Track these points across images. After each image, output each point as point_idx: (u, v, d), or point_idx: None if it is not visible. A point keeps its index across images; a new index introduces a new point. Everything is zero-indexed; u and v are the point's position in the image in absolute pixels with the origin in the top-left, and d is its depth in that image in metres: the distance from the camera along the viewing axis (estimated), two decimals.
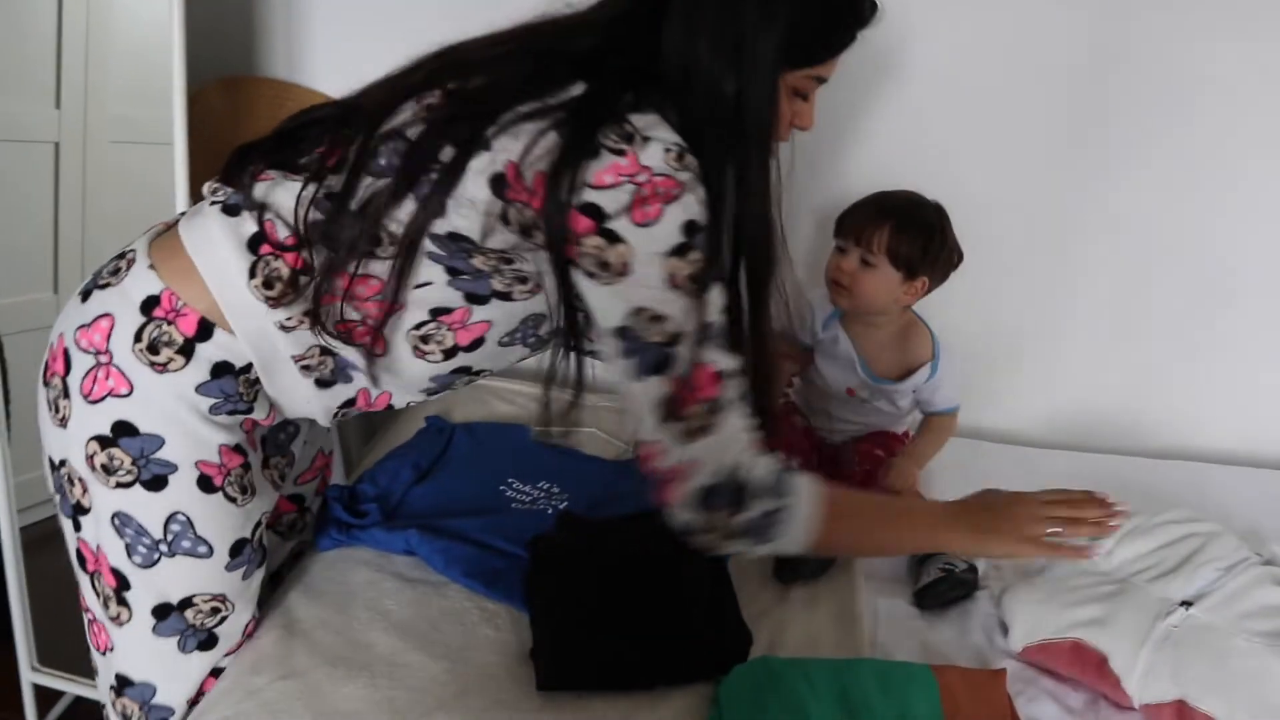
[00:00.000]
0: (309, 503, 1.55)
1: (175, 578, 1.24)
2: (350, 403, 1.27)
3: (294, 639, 1.37)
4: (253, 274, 1.13)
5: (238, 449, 1.22)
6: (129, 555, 1.21)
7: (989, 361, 2.04)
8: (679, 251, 1.04)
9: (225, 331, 1.15)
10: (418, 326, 1.17)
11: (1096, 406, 2.09)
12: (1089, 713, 1.39)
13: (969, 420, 2.08)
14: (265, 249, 1.14)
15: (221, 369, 1.16)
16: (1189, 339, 2.01)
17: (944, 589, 1.53)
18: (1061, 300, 2.01)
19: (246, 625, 1.34)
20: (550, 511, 1.64)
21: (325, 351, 1.19)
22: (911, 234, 1.60)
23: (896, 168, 1.75)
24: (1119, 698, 1.38)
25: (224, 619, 1.30)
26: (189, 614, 1.26)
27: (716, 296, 1.09)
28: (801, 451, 1.79)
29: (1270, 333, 1.98)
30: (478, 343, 1.22)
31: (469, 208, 1.08)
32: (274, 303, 1.14)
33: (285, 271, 1.14)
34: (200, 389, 1.16)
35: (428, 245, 1.11)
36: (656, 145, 1.03)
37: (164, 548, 1.21)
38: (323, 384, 1.23)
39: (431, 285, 1.14)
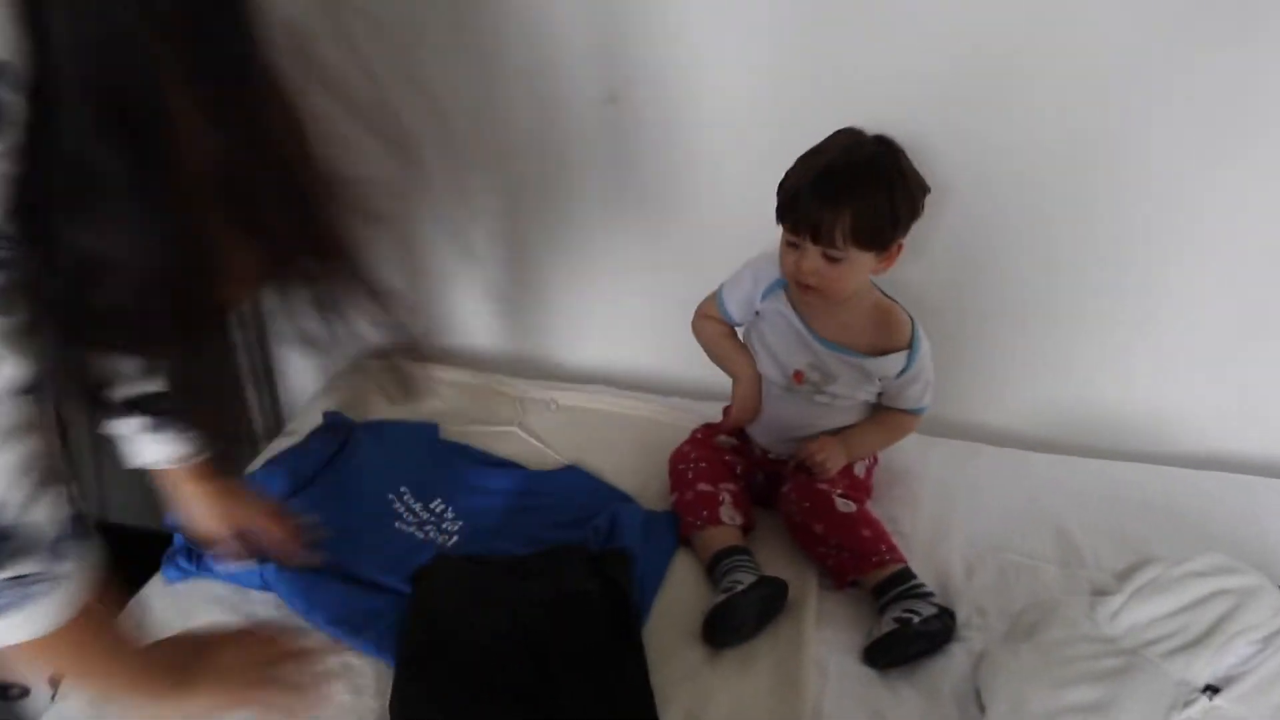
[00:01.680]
0: None
1: None
2: None
3: (105, 707, 1.13)
4: None
5: None
6: None
7: (988, 351, 1.73)
8: None
9: None
10: None
11: (1115, 404, 1.77)
12: None
13: (961, 418, 1.78)
14: None
15: None
16: (1228, 326, 1.68)
17: (898, 647, 1.26)
18: (1076, 280, 1.67)
19: None
20: (440, 542, 1.38)
21: None
22: (875, 209, 1.29)
23: (888, 120, 1.43)
24: None
25: None
26: None
27: None
28: (730, 472, 1.51)
29: None
30: None
31: None
32: None
33: None
34: None
35: None
36: None
37: None
38: None
39: None
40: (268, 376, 2.01)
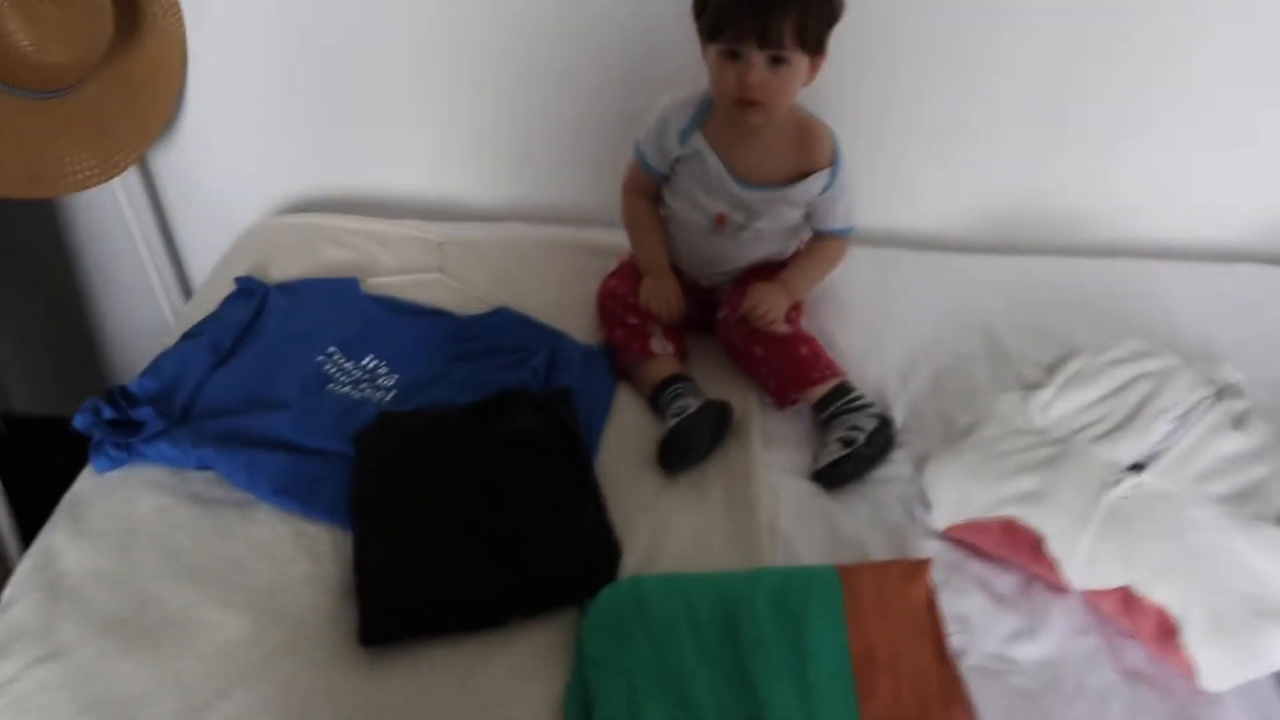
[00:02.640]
0: None
1: None
2: None
3: (59, 602, 1.11)
4: None
5: None
6: None
7: (904, 157, 1.73)
8: None
9: None
10: None
11: (1027, 202, 1.80)
12: (1021, 600, 1.20)
13: (886, 224, 1.80)
14: None
15: None
16: (1123, 118, 1.70)
17: (847, 469, 1.30)
18: (980, 82, 1.66)
19: None
20: (377, 399, 1.35)
21: None
22: (816, 5, 1.25)
23: None
24: (1056, 582, 1.19)
25: None
26: None
27: None
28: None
29: (1214, 105, 1.67)
30: None
31: None
32: None
33: None
34: None
35: None
36: None
37: None
38: None
39: None
40: (169, 249, 1.91)
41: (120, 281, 1.95)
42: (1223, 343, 1.55)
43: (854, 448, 1.30)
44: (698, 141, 1.40)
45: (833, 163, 1.41)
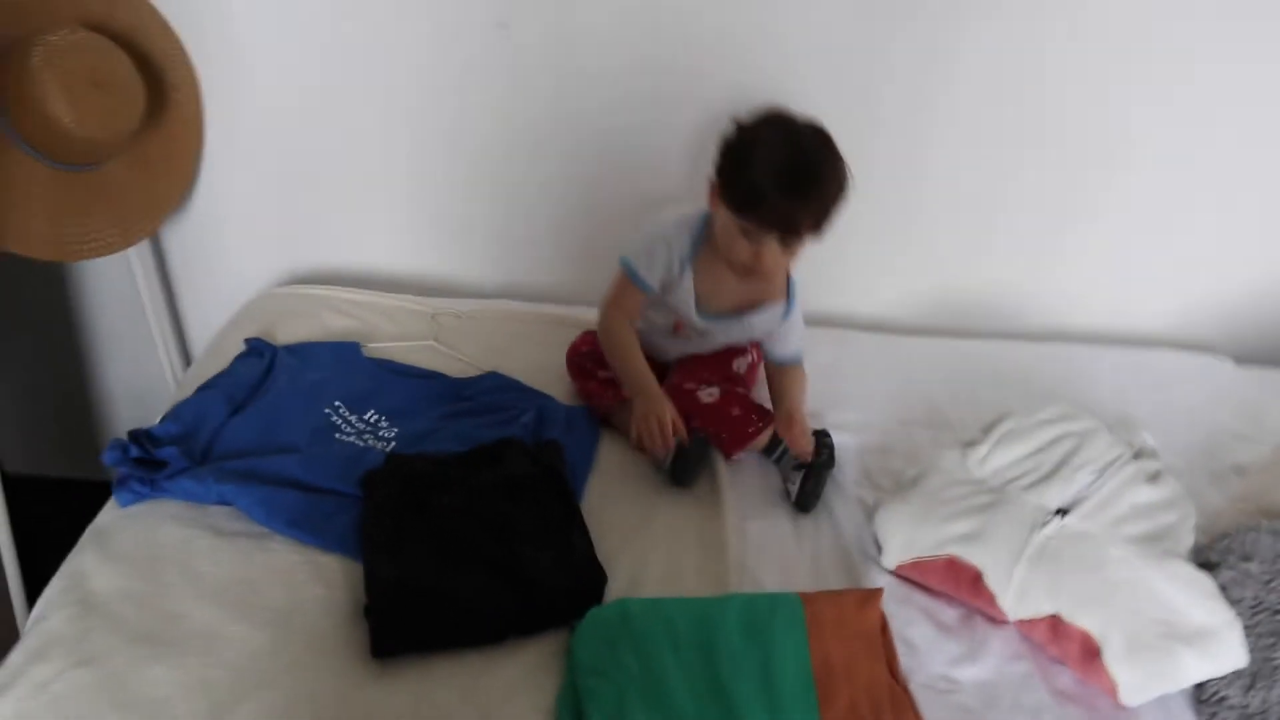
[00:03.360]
0: None
1: None
2: None
3: (90, 616, 1.20)
4: None
5: None
6: None
7: (857, 251, 1.92)
8: None
9: None
10: None
11: (968, 289, 2.00)
12: (963, 629, 1.34)
13: (839, 309, 1.99)
14: None
15: None
16: (1058, 213, 1.91)
17: (815, 488, 1.48)
18: (926, 177, 1.88)
19: None
20: (380, 448, 1.48)
21: None
22: (834, 205, 1.39)
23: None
24: (994, 613, 1.33)
25: None
26: None
27: None
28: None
29: (1140, 209, 1.90)
30: None
31: None
32: None
33: None
34: None
35: None
36: None
37: None
38: None
39: None
40: (173, 317, 2.03)
41: (125, 347, 2.07)
42: (1141, 415, 1.73)
43: (808, 465, 1.47)
44: (689, 275, 1.52)
45: (788, 295, 1.56)
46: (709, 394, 1.57)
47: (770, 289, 1.55)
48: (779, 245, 1.40)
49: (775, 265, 1.43)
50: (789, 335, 1.59)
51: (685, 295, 1.53)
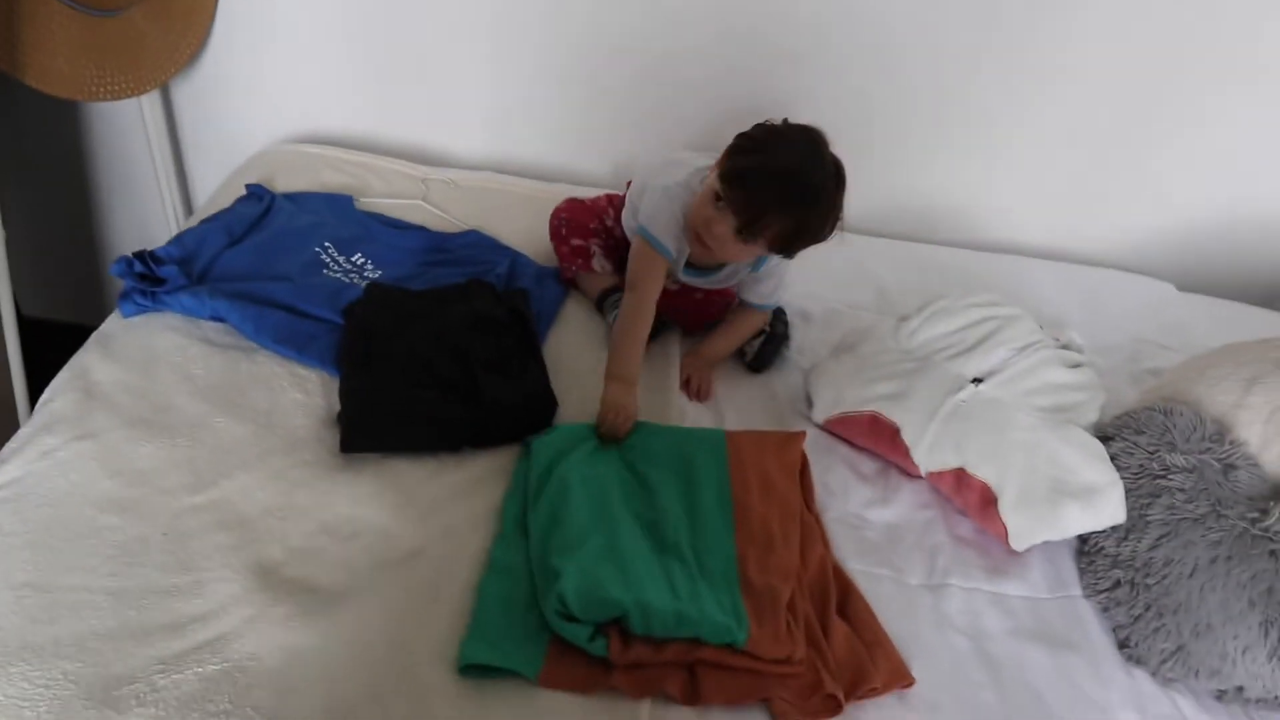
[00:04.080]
0: None
1: None
2: None
3: (92, 401, 1.34)
4: None
5: None
6: None
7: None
8: None
9: None
10: None
11: (927, 199, 2.11)
12: (878, 479, 1.49)
13: None
14: None
15: None
16: (1017, 129, 2.02)
17: (770, 351, 1.62)
18: (909, 95, 1.98)
19: None
20: (362, 286, 1.60)
21: None
22: (803, 232, 1.43)
23: None
24: (908, 466, 1.47)
25: None
26: None
27: None
28: (595, 232, 1.72)
29: (1099, 127, 2.00)
30: None
31: None
32: None
33: None
34: None
35: None
36: None
37: None
38: None
39: None
40: (178, 169, 2.15)
41: (132, 197, 2.18)
42: (1074, 321, 1.85)
43: (771, 338, 1.62)
44: (684, 246, 1.55)
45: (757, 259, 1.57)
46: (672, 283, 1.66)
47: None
48: (733, 231, 1.41)
49: (721, 246, 1.45)
50: (757, 283, 1.61)
51: (678, 258, 1.56)
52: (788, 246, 1.45)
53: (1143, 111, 1.97)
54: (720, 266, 1.60)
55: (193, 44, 1.93)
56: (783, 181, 1.39)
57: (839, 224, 1.45)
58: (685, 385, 1.59)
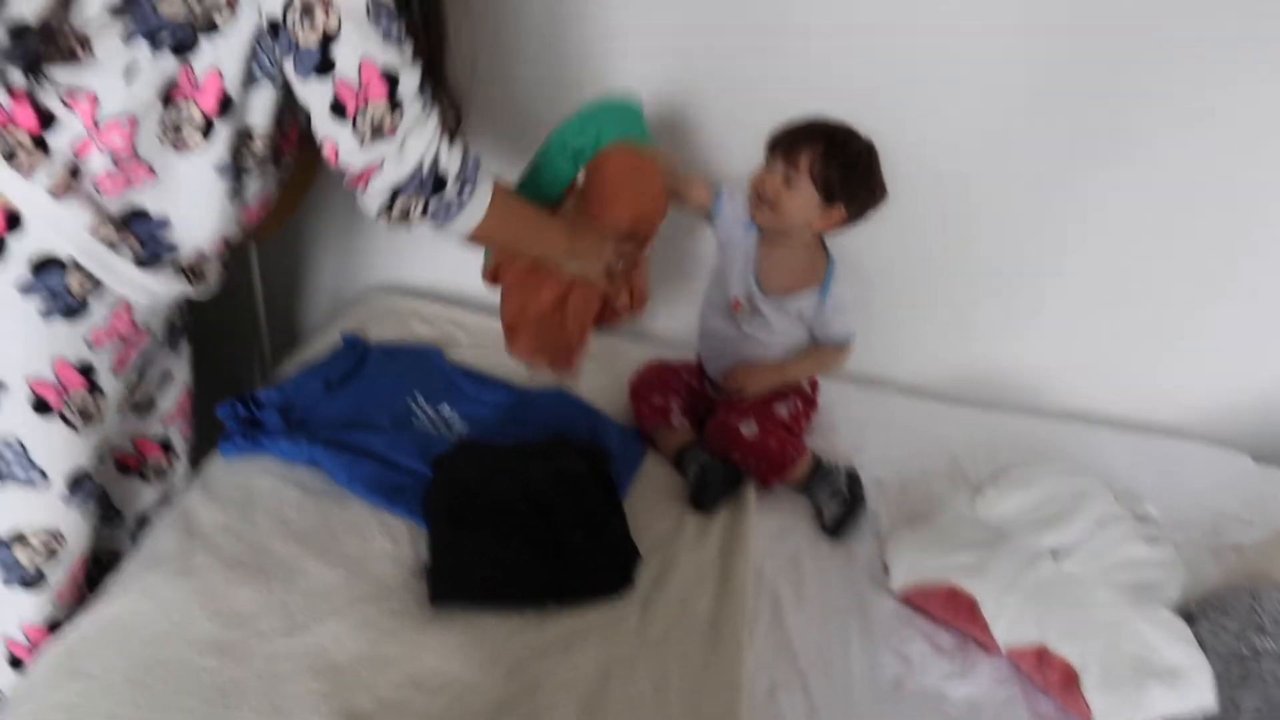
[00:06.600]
0: (176, 446, 1.51)
1: (4, 509, 1.18)
2: (186, 270, 1.22)
3: (193, 540, 1.39)
4: None
5: (84, 369, 1.15)
6: None
7: (897, 318, 2.09)
8: None
9: (35, 220, 1.06)
10: (158, 120, 1.09)
11: (998, 363, 2.16)
12: (957, 654, 1.47)
13: (874, 369, 2.14)
14: None
15: (43, 263, 1.07)
16: (1093, 298, 2.07)
17: (850, 519, 1.64)
18: (980, 263, 2.05)
19: (74, 567, 1.29)
20: (449, 439, 1.66)
21: (112, 219, 1.11)
22: (838, 159, 1.60)
23: (842, 94, 1.75)
24: (987, 641, 1.46)
25: (55, 557, 1.25)
26: (19, 551, 1.21)
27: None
28: (676, 390, 1.83)
29: (1173, 296, 2.04)
30: (224, 101, 1.11)
31: None
32: (26, 173, 1.05)
33: (23, 136, 1.05)
34: (24, 290, 1.07)
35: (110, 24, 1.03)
36: None
37: None
38: (143, 263, 1.15)
39: (135, 61, 1.05)
40: (268, 310, 2.26)
41: (223, 334, 2.28)
42: (1150, 493, 1.84)
43: (849, 503, 1.63)
44: (753, 237, 1.72)
45: (825, 280, 1.72)
46: (749, 429, 1.73)
47: (812, 275, 1.72)
48: (781, 176, 1.61)
49: (776, 196, 1.62)
50: (829, 320, 1.74)
51: (747, 258, 1.73)
52: (825, 176, 1.60)
53: (1215, 280, 2.02)
54: (791, 291, 1.72)
55: (300, 198, 2.05)
56: (814, 121, 1.63)
57: (878, 187, 1.64)
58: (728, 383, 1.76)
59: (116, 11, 1.03)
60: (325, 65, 1.07)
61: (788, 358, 1.80)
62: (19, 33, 1.03)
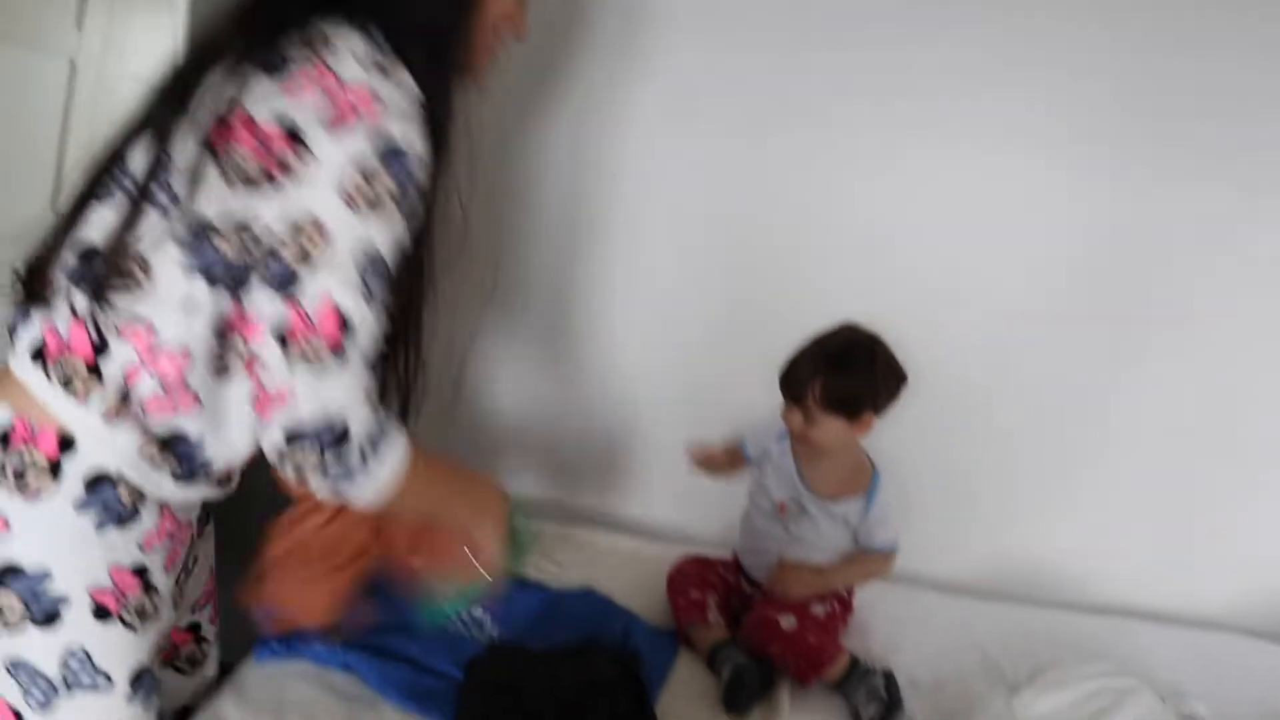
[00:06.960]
0: (205, 631, 1.51)
1: (74, 716, 1.17)
2: (217, 480, 1.22)
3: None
4: (49, 378, 1.08)
5: (137, 571, 1.16)
6: (25, 699, 1.14)
7: (929, 518, 2.10)
8: (365, 169, 1.02)
9: (87, 441, 1.09)
10: (209, 353, 1.10)
11: (1032, 558, 2.14)
12: None
13: (908, 566, 2.12)
14: (51, 349, 1.09)
15: (96, 480, 1.10)
16: (1129, 493, 2.08)
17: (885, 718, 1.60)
18: (1015, 460, 2.09)
19: None
20: (483, 641, 1.68)
21: (157, 439, 1.12)
22: (844, 379, 1.65)
23: (870, 294, 1.86)
24: None
25: None
26: None
27: (388, 236, 1.05)
28: (713, 585, 1.84)
29: (1212, 488, 2.05)
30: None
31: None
32: (81, 399, 1.08)
33: (79, 364, 1.08)
34: (79, 507, 1.10)
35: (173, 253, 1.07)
36: (347, 55, 1.05)
37: (61, 688, 1.14)
38: (179, 478, 1.16)
39: (193, 295, 1.08)
40: None
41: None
42: (1198, 692, 1.80)
43: (888, 705, 1.59)
44: (786, 448, 1.81)
45: (868, 491, 1.78)
46: (788, 622, 1.72)
47: (856, 485, 1.77)
48: (800, 414, 1.67)
49: (803, 433, 1.68)
50: (872, 530, 1.78)
51: (789, 459, 1.79)
52: (836, 401, 1.64)
53: (1257, 469, 2.04)
54: (837, 496, 1.76)
55: None
56: (809, 349, 1.68)
57: (896, 376, 1.67)
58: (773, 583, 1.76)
59: (179, 242, 1.07)
60: (290, 282, 1.03)
61: (833, 560, 1.81)
62: (88, 256, 1.10)
